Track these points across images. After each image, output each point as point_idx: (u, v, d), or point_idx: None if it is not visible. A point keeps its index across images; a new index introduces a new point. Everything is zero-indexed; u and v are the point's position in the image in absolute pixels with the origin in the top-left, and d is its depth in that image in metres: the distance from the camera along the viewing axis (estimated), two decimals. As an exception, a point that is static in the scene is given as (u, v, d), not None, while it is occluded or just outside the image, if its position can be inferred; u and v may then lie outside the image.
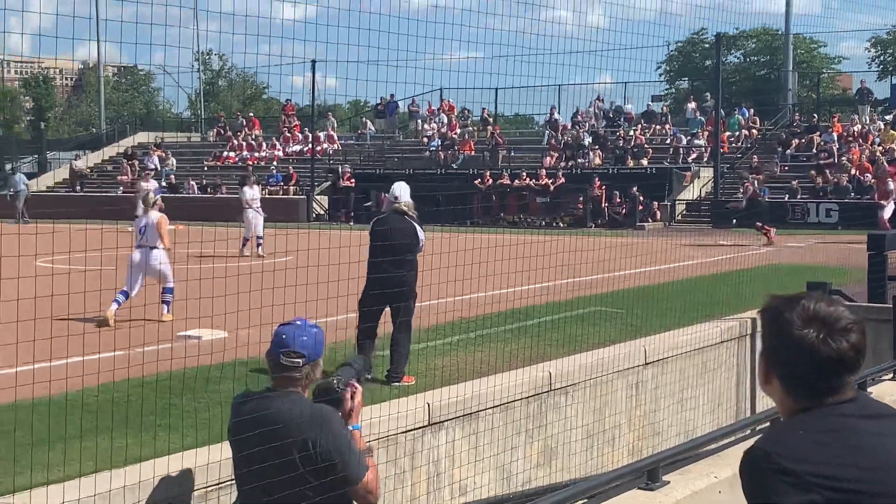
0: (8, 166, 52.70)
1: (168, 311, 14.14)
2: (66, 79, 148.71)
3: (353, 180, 40.09)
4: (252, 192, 26.73)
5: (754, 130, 41.49)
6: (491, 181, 38.18)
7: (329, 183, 42.24)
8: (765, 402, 11.30)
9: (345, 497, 4.78)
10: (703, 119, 42.47)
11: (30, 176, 52.01)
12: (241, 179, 30.87)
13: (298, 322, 4.94)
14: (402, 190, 10.49)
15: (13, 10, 5.55)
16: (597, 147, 41.41)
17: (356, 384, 5.03)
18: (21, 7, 5.72)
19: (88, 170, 49.81)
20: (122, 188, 45.41)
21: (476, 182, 37.98)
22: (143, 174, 38.54)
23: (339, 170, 41.18)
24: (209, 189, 43.24)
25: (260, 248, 25.20)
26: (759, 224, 28.90)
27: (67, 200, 43.00)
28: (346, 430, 4.84)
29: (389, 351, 10.15)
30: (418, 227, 10.26)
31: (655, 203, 36.32)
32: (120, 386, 9.04)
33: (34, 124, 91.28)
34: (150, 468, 5.81)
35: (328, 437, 4.71)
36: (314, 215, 40.52)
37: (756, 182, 32.65)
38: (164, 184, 43.39)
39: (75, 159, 50.80)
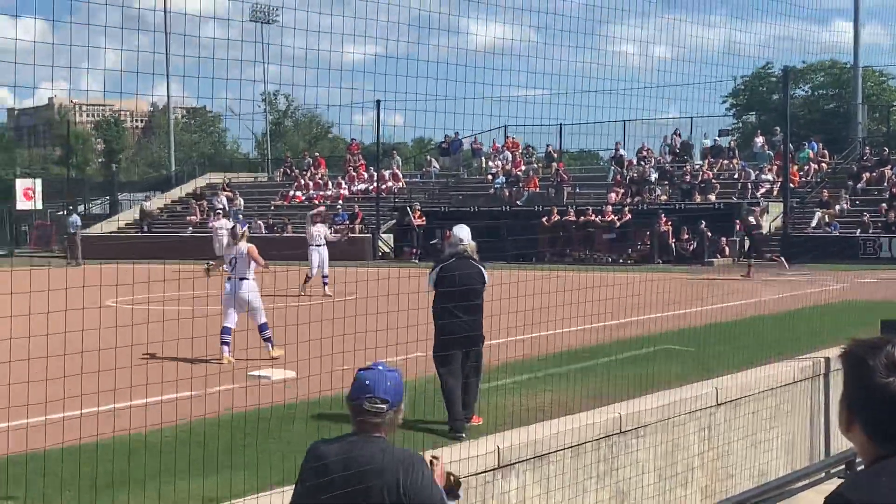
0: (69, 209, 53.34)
1: (272, 347, 14.24)
2: (137, 121, 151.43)
3: (423, 218, 40.08)
4: (315, 230, 26.86)
5: (823, 164, 40.94)
6: (557, 217, 38.03)
7: (394, 221, 42.38)
8: (839, 444, 11.03)
9: None
10: (771, 153, 41.99)
11: (101, 217, 52.90)
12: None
13: (380, 367, 4.88)
14: (465, 232, 10.27)
15: (86, 55, 5.60)
16: (666, 183, 41.06)
17: (435, 456, 5.00)
18: (94, 52, 5.76)
19: (158, 210, 50.46)
20: (191, 228, 45.91)
21: (543, 220, 37.88)
22: (213, 214, 38.95)
23: (410, 207, 41.22)
24: (276, 228, 43.52)
25: (325, 286, 25.22)
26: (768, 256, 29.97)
27: (138, 241, 43.61)
28: (433, 478, 4.80)
29: (462, 391, 9.78)
30: (483, 270, 10.07)
31: (724, 238, 35.90)
32: (192, 426, 9.05)
33: (106, 166, 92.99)
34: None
35: (419, 479, 4.69)
36: (380, 254, 40.62)
37: (825, 216, 32.45)
38: (231, 223, 43.82)
39: (145, 200, 51.51)
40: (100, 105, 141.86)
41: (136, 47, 5.71)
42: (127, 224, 49.59)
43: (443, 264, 9.97)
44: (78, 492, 6.94)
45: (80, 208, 56.58)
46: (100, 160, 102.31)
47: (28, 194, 50.67)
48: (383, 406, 4.77)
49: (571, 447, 8.28)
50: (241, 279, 14.81)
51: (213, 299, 18.92)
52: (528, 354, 13.48)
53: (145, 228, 47.58)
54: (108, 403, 7.62)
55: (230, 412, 8.50)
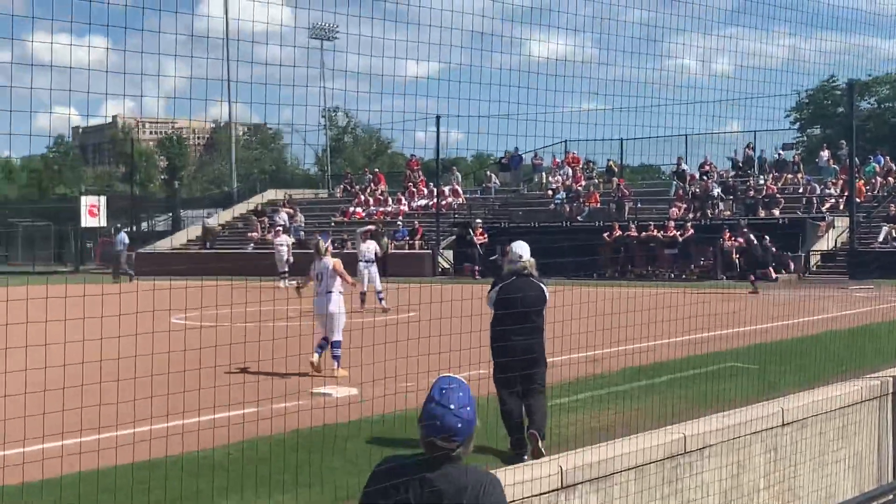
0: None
1: (339, 365, 14.50)
2: (198, 138, 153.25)
3: (485, 235, 40.04)
4: (363, 246, 27.15)
5: (890, 178, 40.35)
6: (619, 233, 37.87)
7: (454, 237, 42.45)
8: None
9: None
10: (836, 167, 41.49)
11: (164, 234, 53.54)
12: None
13: (452, 406, 4.79)
14: (525, 249, 9.89)
15: (149, 74, 5.70)
16: (731, 198, 40.67)
17: None
18: (157, 70, 5.87)
19: (220, 227, 50.98)
20: (252, 244, 46.33)
21: (605, 235, 37.73)
22: (273, 230, 39.29)
23: (472, 224, 41.21)
24: (336, 244, 43.81)
25: (382, 301, 25.32)
26: (752, 277, 29.61)
27: (200, 258, 44.11)
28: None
29: (527, 411, 9.51)
30: (545, 288, 9.77)
31: (788, 254, 35.51)
32: (253, 444, 9.13)
33: (168, 183, 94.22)
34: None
35: (495, 498, 4.70)
36: (439, 269, 40.69)
37: (893, 231, 32.24)
38: (292, 239, 44.16)
39: (207, 217, 52.06)
40: (162, 122, 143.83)
41: (198, 65, 5.82)
42: (189, 240, 50.15)
43: (502, 284, 9.65)
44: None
45: (144, 225, 57.36)
46: (162, 177, 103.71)
47: (93, 211, 51.45)
48: (454, 444, 4.75)
49: (635, 468, 8.23)
50: (328, 293, 15.09)
51: (268, 314, 19.10)
52: (590, 372, 13.43)
53: (208, 245, 48.08)
54: (176, 421, 7.73)
55: (296, 431, 8.56)
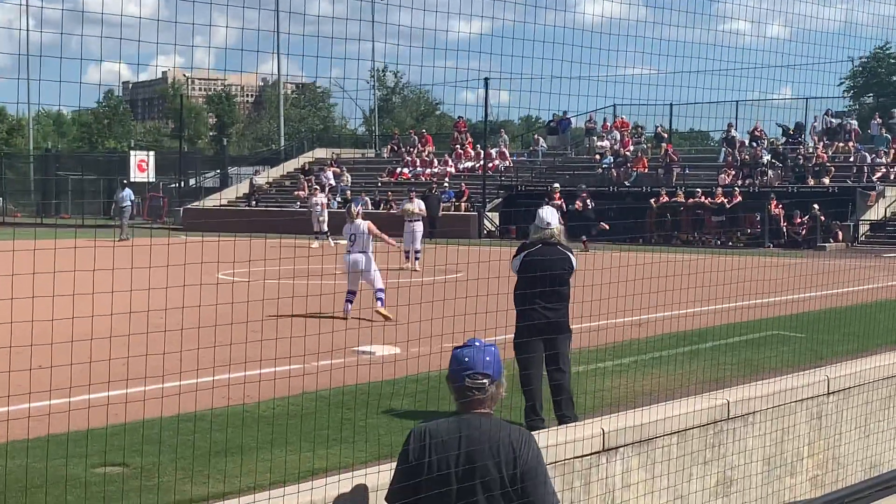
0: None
1: (383, 304, 15.51)
2: (247, 96, 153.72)
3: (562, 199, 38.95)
4: (409, 206, 27.36)
5: (943, 148, 39.71)
6: (666, 199, 37.59)
7: (500, 199, 42.34)
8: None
9: None
10: (888, 136, 40.87)
11: (212, 190, 53.83)
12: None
13: (476, 343, 4.93)
14: (551, 215, 9.49)
15: (200, 24, 5.68)
16: (780, 166, 40.20)
17: None
18: (207, 25, 5.85)
19: (267, 185, 51.17)
20: (298, 203, 46.51)
21: (651, 201, 37.48)
22: (310, 190, 39.40)
23: (551, 189, 40.05)
24: (382, 204, 43.84)
25: (417, 262, 25.44)
26: (584, 239, 30.37)
27: (247, 214, 44.37)
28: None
29: (552, 393, 9.17)
30: (571, 255, 9.42)
31: (837, 223, 35.12)
32: (295, 399, 9.20)
33: (216, 140, 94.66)
34: (332, 482, 5.87)
35: (534, 455, 4.74)
36: (485, 231, 40.66)
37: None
38: (338, 199, 44.25)
39: (255, 174, 52.23)
40: (211, 79, 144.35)
41: (249, 22, 5.77)
42: (238, 197, 50.40)
43: (527, 251, 9.30)
44: (192, 460, 7.11)
45: (192, 181, 57.67)
46: (211, 134, 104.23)
47: (142, 166, 51.79)
48: (484, 381, 4.81)
49: (678, 432, 8.19)
50: (362, 252, 16.21)
51: (316, 275, 19.22)
52: (633, 337, 13.38)
53: (254, 203, 48.31)
54: (222, 374, 7.80)
55: (341, 387, 8.61)
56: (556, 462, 6.99)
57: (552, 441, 7.00)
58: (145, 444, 7.42)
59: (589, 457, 7.39)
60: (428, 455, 4.86)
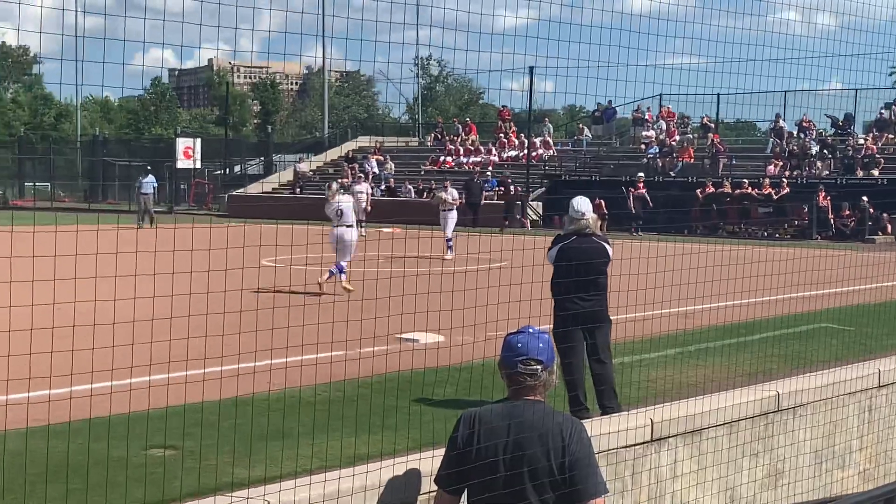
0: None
1: (329, 277, 17.10)
2: (292, 83, 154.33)
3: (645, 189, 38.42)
4: (443, 194, 27.42)
5: None
6: (712, 190, 37.26)
7: (543, 189, 42.16)
8: None
9: None
10: (939, 128, 40.28)
11: (256, 178, 54.08)
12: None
13: (529, 330, 4.89)
14: (586, 205, 9.31)
15: (244, 6, 5.62)
16: (828, 157, 39.68)
17: None
18: (252, 14, 5.80)
19: (311, 172, 51.30)
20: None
21: (697, 192, 37.16)
22: (354, 178, 39.38)
23: (633, 180, 39.66)
24: (425, 193, 43.81)
25: (449, 251, 25.34)
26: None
27: (290, 201, 44.48)
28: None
29: (595, 383, 9.08)
30: (608, 245, 9.25)
31: (886, 215, 34.64)
32: (339, 385, 9.17)
33: (261, 127, 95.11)
34: (376, 469, 5.83)
35: (584, 443, 4.69)
36: (529, 220, 40.53)
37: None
38: (382, 187, 44.30)
39: (299, 162, 52.38)
40: (256, 67, 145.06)
41: (292, 9, 5.72)
42: (282, 185, 50.56)
43: (562, 244, 9.15)
44: (234, 444, 7.08)
45: (237, 168, 57.97)
46: (255, 121, 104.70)
47: (188, 153, 52.09)
48: (537, 367, 4.78)
49: (726, 424, 8.08)
50: (348, 227, 17.94)
51: (367, 262, 19.20)
52: (679, 328, 13.24)
53: (298, 190, 48.43)
54: (264, 360, 7.76)
55: (384, 374, 8.56)
56: (604, 451, 6.91)
57: (600, 430, 6.92)
58: (191, 428, 7.40)
59: (637, 447, 7.31)
60: (477, 441, 4.81)
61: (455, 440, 4.91)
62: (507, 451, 4.70)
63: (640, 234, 32.86)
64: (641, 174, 38.85)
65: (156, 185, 40.44)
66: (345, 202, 18.13)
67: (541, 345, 4.81)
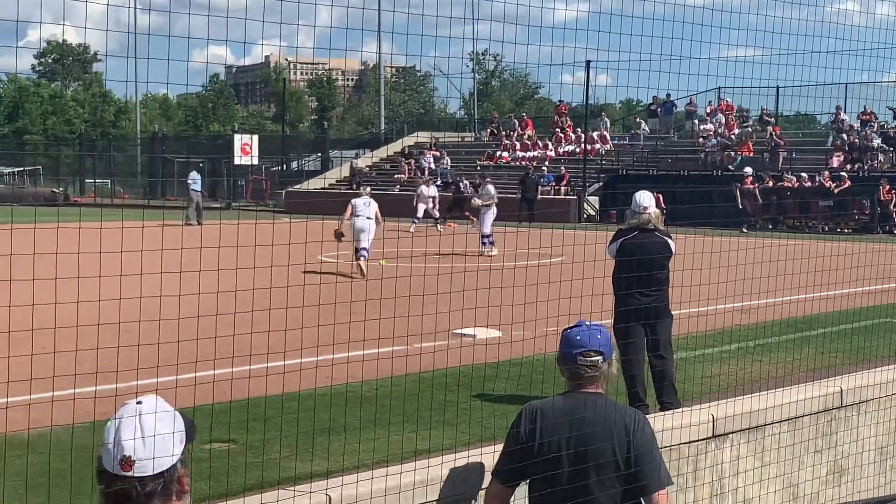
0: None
1: (366, 260, 19.95)
2: (348, 80, 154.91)
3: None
4: (476, 201, 27.47)
5: None
6: (771, 183, 36.86)
7: (601, 183, 41.99)
8: None
9: None
10: None
11: (313, 173, 54.38)
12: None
13: (586, 324, 4.89)
14: (648, 199, 9.22)
15: (303, 12, 5.67)
16: (891, 150, 39.06)
17: None
18: (307, 10, 5.83)
19: (367, 168, 51.48)
20: (398, 186, 46.66)
21: (753, 186, 36.76)
22: (424, 179, 39.35)
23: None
24: (480, 188, 43.77)
25: (484, 246, 25.29)
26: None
27: (347, 197, 44.57)
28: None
29: (654, 380, 9.05)
30: (670, 241, 9.19)
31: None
32: (398, 380, 9.20)
33: (318, 123, 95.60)
34: (437, 464, 5.85)
35: (648, 437, 4.70)
36: (585, 216, 40.37)
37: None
38: (439, 183, 44.34)
39: (355, 158, 52.61)
40: (313, 63, 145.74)
41: (348, 4, 5.73)
42: (338, 181, 50.78)
43: (624, 239, 9.09)
44: (296, 438, 7.14)
45: (294, 164, 58.34)
46: (312, 117, 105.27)
47: (245, 149, 52.48)
48: (598, 358, 4.78)
49: (789, 420, 8.00)
50: (368, 218, 20.78)
51: (425, 258, 19.27)
52: (738, 323, 13.14)
53: (355, 186, 48.59)
54: (325, 355, 7.83)
55: (443, 369, 8.58)
56: (665, 447, 6.87)
57: (661, 427, 6.88)
58: (252, 422, 7.47)
59: (698, 443, 7.26)
60: (540, 436, 4.81)
61: (517, 435, 4.91)
62: (571, 446, 4.70)
63: (747, 231, 31.62)
64: (749, 169, 37.84)
65: (198, 180, 39.01)
66: (370, 202, 21.44)
67: (599, 336, 4.83)
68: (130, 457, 2.77)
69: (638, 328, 8.86)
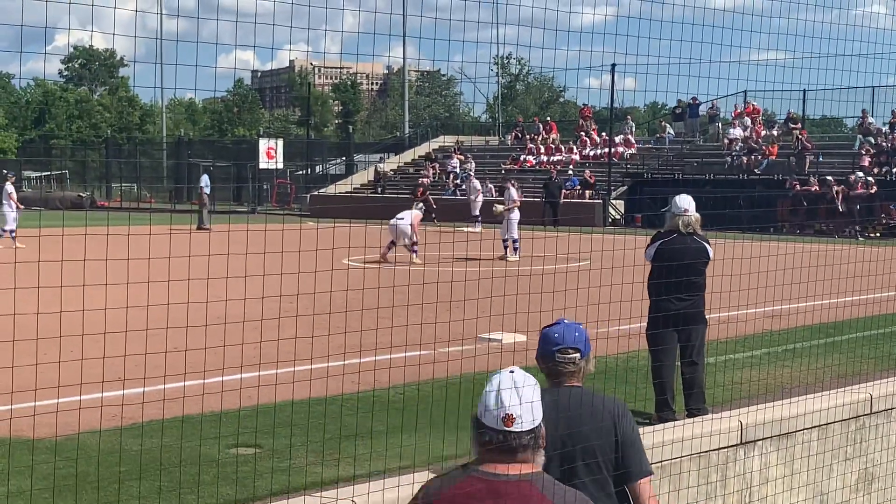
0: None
1: (416, 256, 22.96)
2: (372, 84, 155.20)
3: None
4: (498, 207, 27.41)
5: None
6: (798, 187, 36.65)
7: (626, 187, 41.88)
8: None
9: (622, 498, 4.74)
10: None
11: (338, 177, 54.45)
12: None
13: (564, 321, 4.92)
14: (689, 203, 9.14)
15: (327, 17, 5.66)
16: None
17: None
18: (332, 14, 5.82)
19: (392, 172, 51.52)
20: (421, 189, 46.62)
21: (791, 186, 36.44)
22: (473, 190, 39.53)
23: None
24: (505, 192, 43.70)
25: (507, 250, 25.23)
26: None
27: (372, 201, 44.70)
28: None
29: (684, 386, 9.03)
30: (708, 246, 9.10)
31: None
32: (424, 386, 9.17)
33: (342, 127, 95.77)
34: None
35: (631, 424, 4.78)
36: (610, 220, 40.24)
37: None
38: (462, 186, 44.31)
39: (380, 162, 52.63)
40: (337, 67, 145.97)
41: (373, 9, 5.73)
42: (363, 184, 50.85)
43: (662, 241, 9.02)
44: (323, 443, 7.13)
45: (318, 168, 58.46)
46: (336, 122, 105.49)
47: (270, 153, 52.59)
48: (575, 355, 4.82)
49: (818, 427, 7.93)
50: (401, 219, 23.62)
51: (452, 262, 19.23)
52: (766, 329, 13.06)
53: (380, 190, 48.66)
54: (352, 360, 7.81)
55: (471, 373, 8.55)
56: (692, 455, 6.82)
57: (689, 434, 6.82)
58: (277, 427, 7.47)
59: (726, 450, 7.20)
60: None
61: None
62: (557, 438, 4.68)
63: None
64: (860, 174, 36.90)
65: (208, 183, 39.07)
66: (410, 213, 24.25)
67: (576, 334, 4.85)
68: (512, 415, 3.54)
69: (671, 334, 8.78)
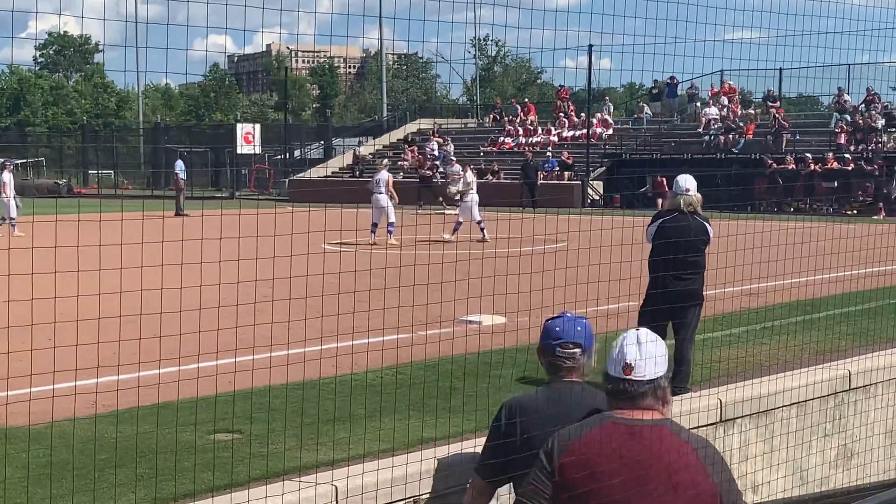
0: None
1: (392, 238, 23.10)
2: (349, 67, 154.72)
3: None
4: (452, 188, 27.28)
5: None
6: (775, 166, 36.75)
7: (604, 168, 41.88)
8: None
9: None
10: None
11: (316, 162, 54.28)
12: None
13: (567, 315, 4.88)
14: (691, 182, 9.19)
15: (303, 2, 5.61)
16: (893, 130, 38.90)
17: None
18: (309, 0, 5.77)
19: (370, 156, 51.41)
20: (402, 173, 46.55)
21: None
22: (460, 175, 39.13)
23: None
24: (488, 175, 43.67)
25: (484, 232, 24.84)
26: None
27: (351, 185, 44.57)
28: None
29: (675, 363, 8.80)
30: (708, 226, 9.14)
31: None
32: (403, 368, 9.16)
33: (320, 112, 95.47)
34: (444, 454, 5.82)
35: None
36: (588, 201, 40.27)
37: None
38: (441, 169, 44.23)
39: (358, 145, 52.50)
40: (314, 51, 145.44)
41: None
42: (341, 168, 50.72)
43: (663, 220, 9.09)
44: (301, 428, 7.10)
45: (297, 153, 58.26)
46: (314, 106, 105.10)
47: (248, 138, 52.42)
48: (576, 350, 4.79)
49: (797, 404, 7.96)
50: (380, 195, 23.61)
51: (421, 245, 19.22)
52: (744, 307, 13.07)
53: (358, 173, 48.54)
54: (329, 344, 7.77)
55: (449, 356, 8.53)
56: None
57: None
58: (256, 412, 7.43)
59: (706, 428, 7.22)
60: (521, 430, 4.78)
61: (498, 429, 4.88)
62: (551, 432, 4.65)
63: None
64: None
65: (183, 170, 39.08)
66: (385, 176, 24.33)
67: (578, 328, 4.85)
68: (630, 364, 3.90)
69: (665, 312, 8.78)
